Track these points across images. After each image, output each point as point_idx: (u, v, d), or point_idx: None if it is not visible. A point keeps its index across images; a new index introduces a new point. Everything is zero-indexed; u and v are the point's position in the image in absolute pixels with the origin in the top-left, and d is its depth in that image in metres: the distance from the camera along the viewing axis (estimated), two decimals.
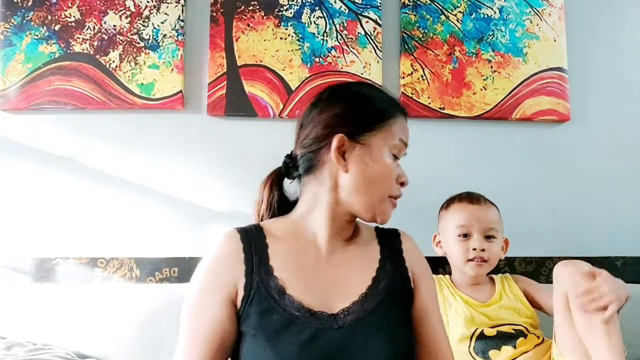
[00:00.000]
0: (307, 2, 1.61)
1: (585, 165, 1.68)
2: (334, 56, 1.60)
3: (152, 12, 1.57)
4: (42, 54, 1.53)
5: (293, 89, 1.58)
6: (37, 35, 1.54)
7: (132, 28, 1.56)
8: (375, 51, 1.61)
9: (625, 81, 1.74)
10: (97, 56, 1.54)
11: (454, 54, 1.64)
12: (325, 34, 1.61)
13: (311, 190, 0.87)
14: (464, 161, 1.64)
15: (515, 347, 1.20)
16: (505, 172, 1.64)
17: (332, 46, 1.60)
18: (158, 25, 1.56)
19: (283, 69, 1.58)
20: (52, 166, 1.52)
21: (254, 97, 1.56)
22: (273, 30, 1.59)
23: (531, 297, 1.31)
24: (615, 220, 1.66)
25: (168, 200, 1.54)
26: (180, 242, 1.52)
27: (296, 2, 1.60)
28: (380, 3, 1.63)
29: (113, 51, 1.55)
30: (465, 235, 1.30)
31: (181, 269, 1.49)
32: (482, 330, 1.23)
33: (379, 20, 1.62)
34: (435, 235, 1.39)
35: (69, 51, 1.54)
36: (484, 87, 1.63)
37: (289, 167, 0.89)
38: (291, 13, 1.60)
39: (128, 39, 1.55)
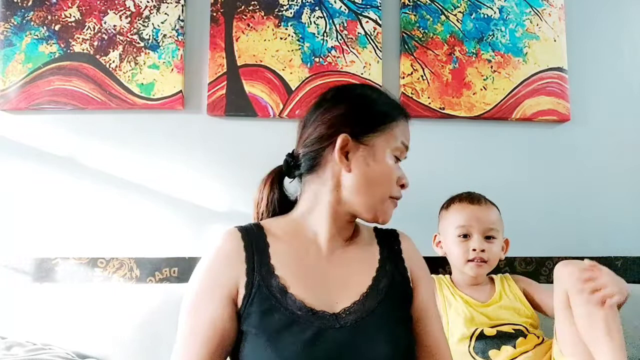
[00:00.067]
0: (307, 2, 1.61)
1: (585, 165, 1.68)
2: (334, 56, 1.60)
3: (152, 12, 1.57)
4: (42, 54, 1.53)
5: (293, 89, 1.58)
6: (37, 35, 1.54)
7: (132, 28, 1.56)
8: (375, 51, 1.61)
9: (625, 81, 1.74)
10: (97, 56, 1.54)
11: (454, 54, 1.64)
12: (325, 34, 1.61)
13: (313, 189, 0.87)
14: (464, 161, 1.64)
15: (515, 347, 1.20)
16: (506, 172, 1.64)
17: (332, 46, 1.60)
18: (158, 25, 1.56)
19: (283, 69, 1.58)
20: (52, 166, 1.52)
21: (254, 97, 1.56)
22: (273, 30, 1.59)
23: (531, 297, 1.31)
24: (616, 220, 1.66)
25: (168, 200, 1.54)
26: (180, 242, 1.52)
27: (296, 2, 1.61)
28: (380, 3, 1.63)
29: (113, 51, 1.55)
30: (465, 236, 1.30)
31: (181, 269, 1.49)
32: (482, 330, 1.23)
33: (379, 20, 1.62)
34: (436, 236, 1.39)
35: (69, 51, 1.54)
36: (484, 87, 1.63)
37: (291, 166, 0.89)
38: (291, 13, 1.60)
39: (128, 39, 1.55)
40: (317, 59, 1.59)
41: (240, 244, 0.83)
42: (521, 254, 1.56)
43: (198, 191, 1.55)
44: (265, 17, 1.59)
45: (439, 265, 1.48)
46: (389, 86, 1.59)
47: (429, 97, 1.61)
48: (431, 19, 1.65)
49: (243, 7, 1.59)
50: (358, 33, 1.61)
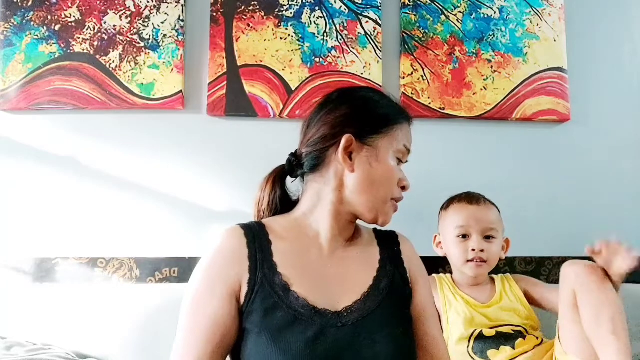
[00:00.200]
0: (307, 2, 1.61)
1: (585, 165, 1.68)
2: (334, 56, 1.60)
3: (152, 12, 1.57)
4: (42, 54, 1.53)
5: (293, 89, 1.58)
6: (37, 35, 1.54)
7: (132, 28, 1.56)
8: (375, 51, 1.61)
9: (625, 81, 1.74)
10: (97, 56, 1.54)
11: (454, 54, 1.64)
12: (325, 34, 1.61)
13: (315, 188, 0.87)
14: (464, 161, 1.64)
15: (514, 347, 1.20)
16: (506, 172, 1.64)
17: (332, 46, 1.60)
18: (158, 25, 1.56)
19: (283, 69, 1.58)
20: (52, 166, 1.52)
21: (254, 97, 1.56)
22: (273, 30, 1.59)
23: (531, 296, 1.31)
24: (616, 220, 1.66)
25: (168, 200, 1.54)
26: (180, 242, 1.52)
27: (296, 2, 1.60)
28: (380, 3, 1.63)
29: (113, 51, 1.55)
30: (465, 236, 1.30)
31: (181, 269, 1.49)
32: (481, 330, 1.23)
33: (379, 20, 1.62)
34: (436, 236, 1.39)
35: (69, 51, 1.54)
36: (484, 87, 1.63)
37: (293, 165, 0.90)
38: (291, 13, 1.60)
39: (128, 39, 1.55)
40: (317, 59, 1.59)
41: (242, 241, 0.83)
42: (521, 254, 1.56)
43: (198, 191, 1.55)
44: (265, 17, 1.59)
45: (439, 265, 1.48)
46: (389, 86, 1.59)
47: (429, 97, 1.61)
48: (431, 19, 1.65)
49: (243, 7, 1.59)
50: (358, 33, 1.61)
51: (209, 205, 1.55)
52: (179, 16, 1.56)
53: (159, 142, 1.56)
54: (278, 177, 0.92)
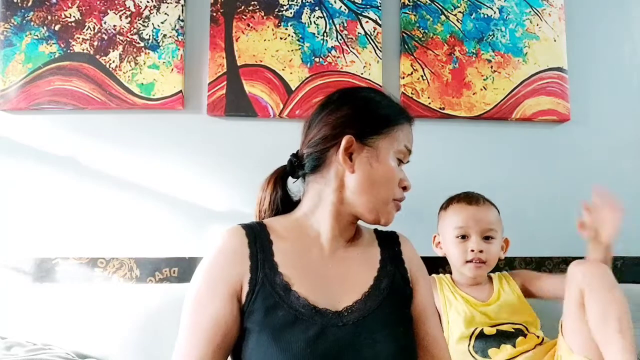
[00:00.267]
0: (307, 2, 1.61)
1: (585, 165, 1.68)
2: (334, 56, 1.60)
3: (152, 12, 1.57)
4: (42, 54, 1.53)
5: (293, 89, 1.58)
6: (37, 36, 1.54)
7: (132, 28, 1.56)
8: (375, 51, 1.61)
9: (625, 81, 1.74)
10: (97, 56, 1.54)
11: (454, 54, 1.64)
12: (325, 34, 1.61)
13: (316, 188, 0.88)
14: (464, 161, 1.64)
15: (514, 346, 1.20)
16: (505, 172, 1.64)
17: (332, 46, 1.60)
18: (158, 25, 1.56)
19: (283, 69, 1.58)
20: (52, 166, 1.52)
21: (254, 97, 1.56)
22: (273, 30, 1.59)
23: (529, 289, 1.32)
24: None
25: (168, 200, 1.54)
26: (180, 242, 1.52)
27: (296, 2, 1.61)
28: (380, 3, 1.63)
29: (113, 51, 1.55)
30: (464, 237, 1.30)
31: (181, 269, 1.49)
32: (482, 329, 1.23)
33: (379, 20, 1.62)
34: (435, 236, 1.39)
35: (69, 51, 1.54)
36: (484, 87, 1.64)
37: (295, 166, 0.90)
38: (291, 13, 1.60)
39: (128, 39, 1.55)
40: (317, 59, 1.59)
41: (244, 241, 0.83)
42: (521, 254, 1.56)
43: (198, 191, 1.55)
44: (265, 17, 1.59)
45: (439, 265, 1.48)
46: (388, 86, 1.59)
47: (429, 97, 1.61)
48: (431, 19, 1.65)
49: (243, 7, 1.59)
50: (358, 33, 1.61)
51: (208, 205, 1.55)
52: (179, 16, 1.57)
53: (159, 142, 1.56)
54: (279, 178, 0.92)
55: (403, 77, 1.62)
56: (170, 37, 1.56)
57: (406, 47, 1.62)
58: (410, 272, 0.90)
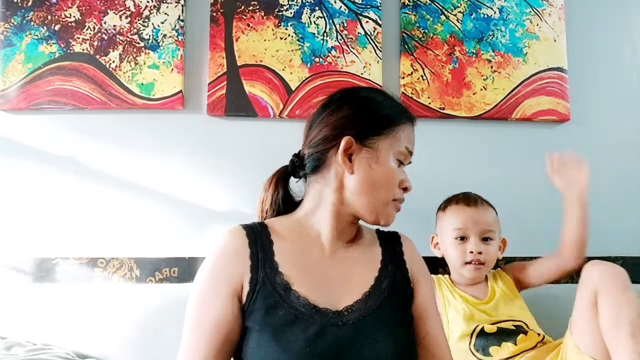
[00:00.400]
0: (307, 2, 1.61)
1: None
2: (334, 56, 1.60)
3: (152, 12, 1.57)
4: (42, 54, 1.53)
5: (293, 89, 1.58)
6: (37, 35, 1.54)
7: (132, 28, 1.56)
8: (375, 51, 1.61)
9: (625, 81, 1.74)
10: (97, 56, 1.54)
11: (454, 54, 1.64)
12: (325, 34, 1.61)
13: (317, 189, 0.88)
14: (464, 161, 1.64)
15: (515, 343, 1.19)
16: (505, 172, 1.64)
17: (332, 46, 1.60)
18: (158, 25, 1.56)
19: (283, 69, 1.58)
20: (52, 166, 1.52)
21: (254, 97, 1.56)
22: (273, 30, 1.59)
23: (519, 279, 1.34)
24: (615, 220, 1.66)
25: (168, 200, 1.54)
26: (180, 242, 1.52)
27: (296, 2, 1.60)
28: (380, 3, 1.63)
29: (113, 51, 1.55)
30: (462, 238, 1.30)
31: (181, 269, 1.49)
32: (483, 327, 1.23)
33: (379, 20, 1.62)
34: (433, 237, 1.39)
35: (69, 51, 1.54)
36: (484, 87, 1.64)
37: (296, 166, 0.90)
38: (291, 13, 1.60)
39: (128, 39, 1.55)
40: (317, 59, 1.59)
41: (244, 241, 0.83)
42: (521, 254, 1.56)
43: (198, 191, 1.55)
44: (265, 17, 1.59)
45: (438, 265, 1.47)
46: (389, 86, 1.58)
47: (429, 97, 1.61)
48: (431, 19, 1.65)
49: (243, 7, 1.59)
50: (358, 33, 1.61)
51: (208, 205, 1.55)
52: (179, 16, 1.57)
53: (159, 142, 1.56)
54: (281, 178, 0.92)
55: (403, 77, 1.62)
56: (170, 37, 1.56)
57: (406, 47, 1.62)
58: (411, 272, 0.91)
